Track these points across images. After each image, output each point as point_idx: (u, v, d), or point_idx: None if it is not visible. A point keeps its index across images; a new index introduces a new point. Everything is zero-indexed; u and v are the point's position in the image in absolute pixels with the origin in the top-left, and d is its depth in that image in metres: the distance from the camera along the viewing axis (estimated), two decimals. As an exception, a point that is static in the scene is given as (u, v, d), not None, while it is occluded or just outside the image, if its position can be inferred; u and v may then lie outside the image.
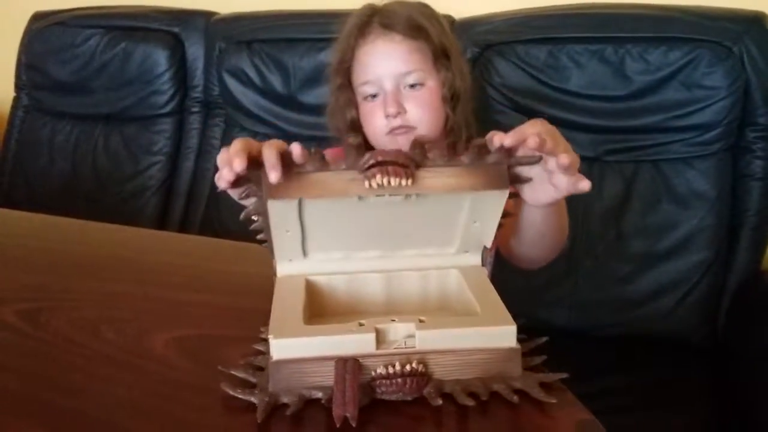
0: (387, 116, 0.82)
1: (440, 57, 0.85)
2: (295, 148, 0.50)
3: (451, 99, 0.85)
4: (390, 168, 0.48)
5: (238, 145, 0.51)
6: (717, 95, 1.18)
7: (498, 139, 0.51)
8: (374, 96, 0.84)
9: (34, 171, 1.77)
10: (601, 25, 1.26)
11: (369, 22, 0.84)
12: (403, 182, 0.48)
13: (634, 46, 1.21)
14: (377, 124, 0.84)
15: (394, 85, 0.82)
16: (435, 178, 0.49)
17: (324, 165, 0.50)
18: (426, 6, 0.88)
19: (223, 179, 0.52)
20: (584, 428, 0.46)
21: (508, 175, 0.51)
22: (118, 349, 0.58)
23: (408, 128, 0.83)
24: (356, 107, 0.87)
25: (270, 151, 0.49)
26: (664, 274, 1.22)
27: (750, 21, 1.20)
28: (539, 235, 0.70)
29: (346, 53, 0.85)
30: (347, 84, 0.87)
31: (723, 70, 1.17)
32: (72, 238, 0.92)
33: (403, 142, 0.84)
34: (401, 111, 0.82)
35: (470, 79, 0.91)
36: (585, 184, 0.55)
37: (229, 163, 0.50)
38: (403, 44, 0.82)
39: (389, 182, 0.48)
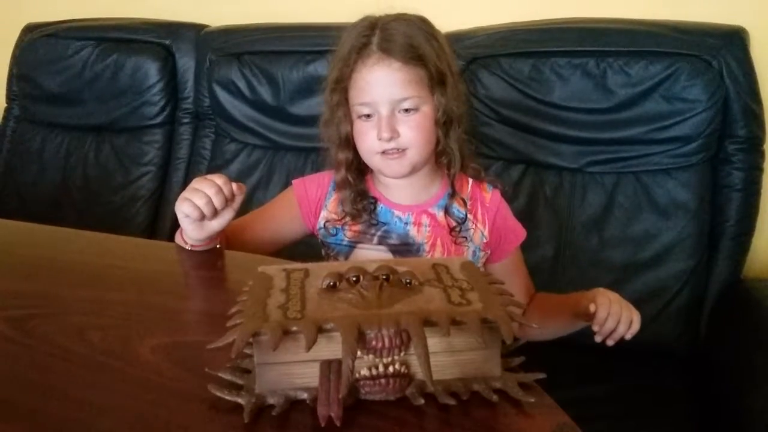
0: (380, 139, 0.85)
1: (436, 83, 0.86)
2: None
3: (444, 123, 0.88)
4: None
5: None
6: (697, 108, 1.20)
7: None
8: (369, 116, 0.86)
9: (25, 181, 1.77)
10: (584, 39, 1.29)
11: (368, 43, 0.85)
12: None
13: (616, 60, 1.24)
14: (370, 143, 0.87)
15: (389, 110, 0.84)
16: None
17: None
18: (426, 23, 0.88)
19: None
20: (562, 430, 0.47)
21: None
22: (106, 356, 0.58)
23: (400, 152, 0.86)
24: (351, 123, 0.89)
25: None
26: (646, 283, 1.24)
27: (729, 35, 1.23)
28: (561, 330, 0.94)
29: (344, 72, 0.86)
30: (344, 101, 0.88)
31: (703, 84, 1.20)
32: (61, 247, 0.92)
33: (394, 166, 0.87)
34: (394, 135, 0.85)
35: (465, 101, 0.94)
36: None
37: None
38: (400, 72, 0.84)
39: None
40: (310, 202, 0.96)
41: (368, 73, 0.84)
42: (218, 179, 0.80)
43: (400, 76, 0.84)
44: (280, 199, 1.00)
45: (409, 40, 0.84)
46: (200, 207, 0.79)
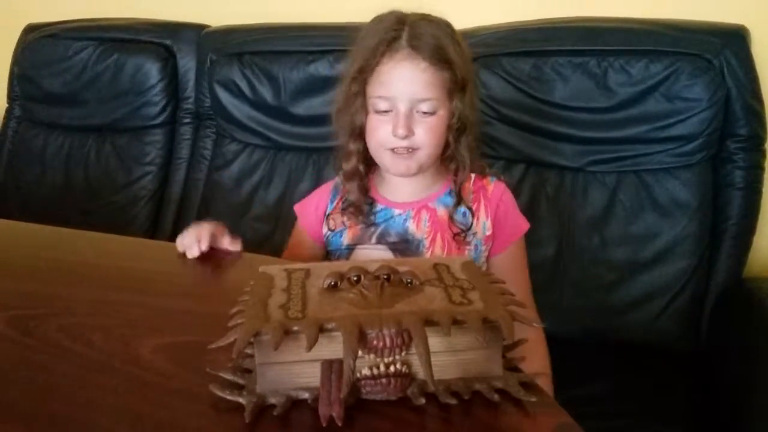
0: (395, 135, 0.85)
1: (457, 89, 0.86)
2: None
3: (457, 129, 0.88)
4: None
5: None
6: (698, 107, 1.20)
7: None
8: (385, 110, 0.86)
9: (26, 181, 1.77)
10: (585, 39, 1.28)
11: (398, 37, 0.84)
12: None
13: (617, 59, 1.24)
14: (382, 137, 0.87)
15: (408, 108, 0.84)
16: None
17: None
18: (451, 28, 0.88)
19: None
20: (563, 429, 0.47)
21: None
22: (107, 356, 0.58)
23: (410, 151, 0.86)
24: (366, 114, 0.89)
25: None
26: (648, 282, 1.24)
27: (730, 34, 1.23)
28: None
29: (370, 63, 0.86)
30: (362, 91, 0.88)
31: (704, 83, 1.20)
32: (63, 247, 0.92)
33: (401, 165, 0.87)
34: (409, 134, 0.85)
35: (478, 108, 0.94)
36: None
37: None
38: (426, 72, 0.84)
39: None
40: (312, 221, 0.97)
41: (394, 68, 0.84)
42: (204, 230, 0.85)
43: (425, 76, 0.84)
44: (293, 235, 1.01)
45: (437, 42, 0.84)
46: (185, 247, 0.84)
